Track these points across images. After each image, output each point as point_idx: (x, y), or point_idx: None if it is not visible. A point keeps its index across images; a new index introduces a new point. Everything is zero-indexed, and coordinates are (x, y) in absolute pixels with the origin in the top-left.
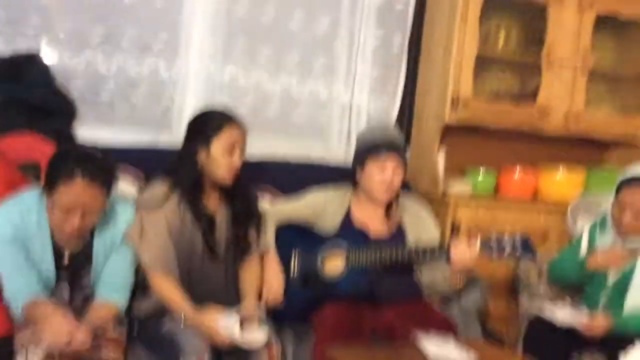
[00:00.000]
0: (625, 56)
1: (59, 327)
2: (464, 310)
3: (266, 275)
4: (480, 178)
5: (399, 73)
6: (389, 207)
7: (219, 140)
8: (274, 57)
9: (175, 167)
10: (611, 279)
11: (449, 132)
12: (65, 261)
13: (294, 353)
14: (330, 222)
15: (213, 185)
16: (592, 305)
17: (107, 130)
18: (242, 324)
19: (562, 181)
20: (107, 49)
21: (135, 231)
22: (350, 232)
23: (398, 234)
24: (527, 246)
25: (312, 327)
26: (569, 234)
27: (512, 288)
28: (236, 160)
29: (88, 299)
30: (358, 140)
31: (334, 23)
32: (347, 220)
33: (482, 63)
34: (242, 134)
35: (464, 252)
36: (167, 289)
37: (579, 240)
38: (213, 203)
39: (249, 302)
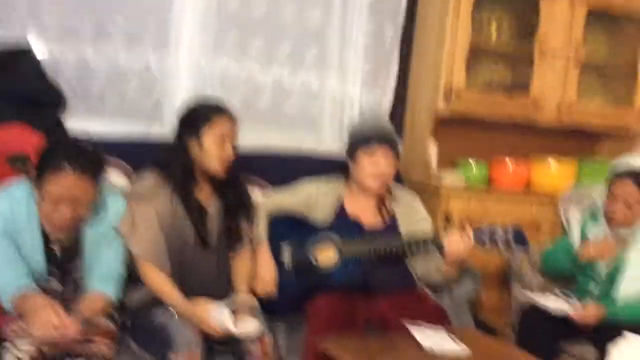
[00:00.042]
0: (617, 48)
1: (49, 319)
2: (457, 301)
3: (258, 267)
4: (472, 169)
5: (391, 65)
6: (381, 199)
7: (210, 132)
8: (266, 48)
9: (166, 159)
10: (602, 269)
11: (441, 124)
12: (56, 253)
13: (286, 344)
14: (322, 213)
15: (205, 177)
16: (583, 296)
17: (98, 123)
18: (234, 315)
19: (554, 172)
20: (97, 41)
21: (126, 223)
22: (342, 223)
23: (390, 225)
24: (519, 237)
25: (305, 318)
26: (561, 225)
27: (505, 278)
28: (228, 152)
29: (79, 291)
30: (350, 132)
31: (326, 14)
32: (340, 211)
33: (475, 55)
34: (234, 125)
35: (457, 243)
36: (158, 281)
37: (570, 231)
38: (205, 195)
39: (241, 294)
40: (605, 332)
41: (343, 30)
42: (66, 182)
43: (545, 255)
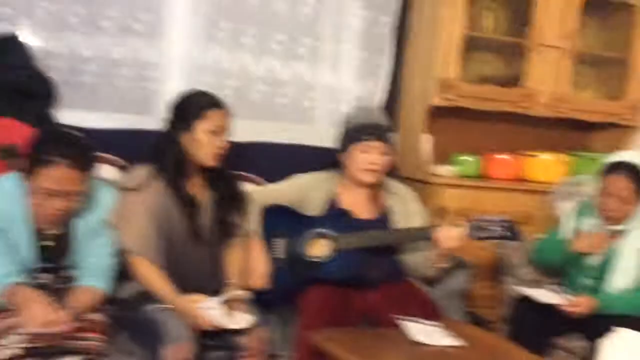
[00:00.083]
0: (610, 39)
1: (39, 312)
2: (449, 293)
3: (252, 260)
4: (466, 161)
5: (385, 56)
6: (375, 192)
7: (203, 123)
8: (258, 39)
9: (158, 151)
10: (594, 262)
11: (435, 115)
12: (47, 246)
13: (280, 338)
14: (316, 205)
15: (197, 169)
16: (574, 288)
17: (89, 114)
18: (226, 308)
19: (546, 165)
20: (89, 32)
21: (117, 216)
22: (336, 216)
23: (384, 217)
24: (511, 229)
25: (297, 311)
26: (554, 217)
27: (496, 270)
28: (220, 143)
29: (69, 283)
30: (343, 123)
31: (319, 4)
32: (333, 204)
33: (469, 45)
34: (226, 116)
35: (449, 234)
36: (149, 274)
37: (563, 224)
38: (197, 187)
39: (234, 287)
40: (596, 326)
41: (336, 21)
42: (56, 174)
43: (536, 247)
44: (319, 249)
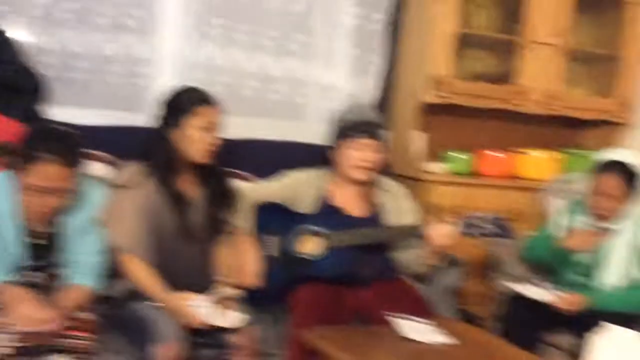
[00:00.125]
0: (602, 36)
1: (28, 311)
2: (441, 291)
3: (244, 257)
4: (458, 158)
5: (378, 53)
6: (367, 189)
7: (194, 120)
8: (250, 35)
9: (148, 148)
10: (584, 259)
11: (427, 112)
12: (36, 244)
13: (272, 336)
14: (307, 202)
15: (188, 166)
16: (564, 286)
17: (81, 110)
18: (217, 306)
19: (538, 162)
20: (80, 27)
21: (107, 213)
22: (327, 213)
23: (376, 215)
24: (502, 226)
25: (289, 309)
26: (545, 214)
27: (487, 267)
28: (211, 139)
29: (59, 281)
30: (335, 120)
31: (312, 1)
32: (325, 201)
33: (462, 43)
34: (217, 112)
35: (441, 232)
36: (139, 272)
37: (554, 221)
38: (188, 183)
39: (225, 284)
40: (585, 322)
41: (329, 18)
42: (45, 171)
43: (527, 244)
44: (311, 246)
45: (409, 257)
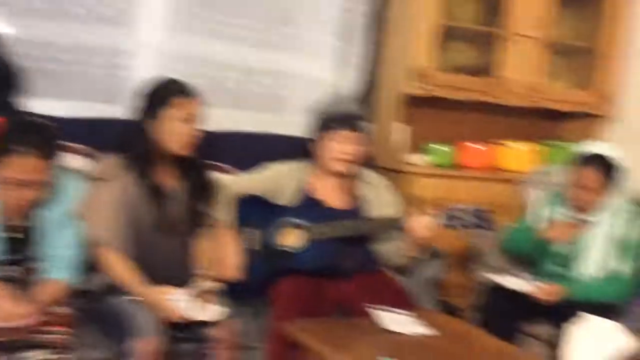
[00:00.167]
0: (583, 29)
1: (4, 306)
2: (422, 282)
3: (225, 250)
4: (439, 151)
5: (361, 46)
6: (348, 181)
7: (172, 111)
8: (232, 27)
9: (127, 140)
10: (563, 250)
11: (409, 105)
12: (12, 238)
13: (252, 329)
14: (289, 195)
15: (168, 158)
16: (543, 275)
17: (59, 102)
18: (196, 299)
19: (519, 154)
20: (58, 17)
21: (85, 206)
22: (309, 206)
23: (357, 207)
24: (483, 218)
25: (270, 302)
26: (525, 206)
27: (468, 259)
28: (191, 131)
29: (36, 275)
30: (317, 112)
31: None
32: (306, 193)
33: (444, 35)
34: (197, 104)
35: (422, 224)
36: (116, 265)
37: (533, 212)
38: (169, 176)
39: (204, 278)
40: (563, 312)
41: (312, 9)
42: (21, 164)
43: (507, 236)
44: (292, 239)
45: (390, 249)
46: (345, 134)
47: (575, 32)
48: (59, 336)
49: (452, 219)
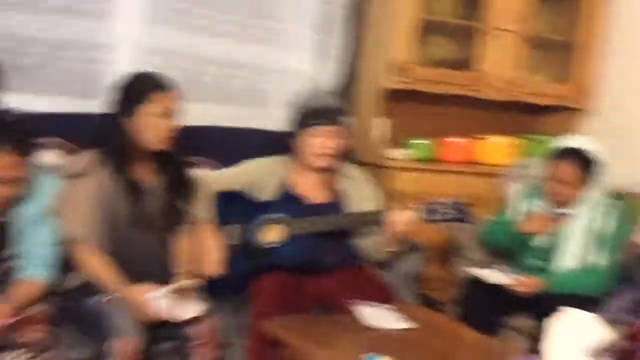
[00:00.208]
0: (561, 23)
1: None
2: (402, 276)
3: (205, 246)
4: (419, 145)
5: (340, 38)
6: (328, 176)
7: (149, 106)
8: (211, 20)
9: (103, 135)
10: (541, 243)
11: (389, 99)
12: None
13: (231, 325)
14: (268, 190)
15: (146, 153)
16: (522, 268)
17: (34, 97)
18: (175, 297)
19: (497, 147)
20: (32, 10)
21: (60, 202)
22: (289, 200)
23: (337, 202)
24: (462, 211)
25: (250, 298)
26: (504, 199)
27: (448, 252)
28: (168, 126)
29: (11, 274)
30: (296, 107)
31: None
32: (286, 188)
33: (424, 29)
34: (174, 98)
35: (401, 218)
36: (94, 262)
37: (512, 206)
38: (146, 172)
39: (183, 275)
40: (543, 305)
41: (291, 1)
42: None
43: (485, 229)
44: (272, 234)
45: (369, 243)
46: (324, 128)
47: (554, 26)
48: (35, 336)
49: (432, 213)
